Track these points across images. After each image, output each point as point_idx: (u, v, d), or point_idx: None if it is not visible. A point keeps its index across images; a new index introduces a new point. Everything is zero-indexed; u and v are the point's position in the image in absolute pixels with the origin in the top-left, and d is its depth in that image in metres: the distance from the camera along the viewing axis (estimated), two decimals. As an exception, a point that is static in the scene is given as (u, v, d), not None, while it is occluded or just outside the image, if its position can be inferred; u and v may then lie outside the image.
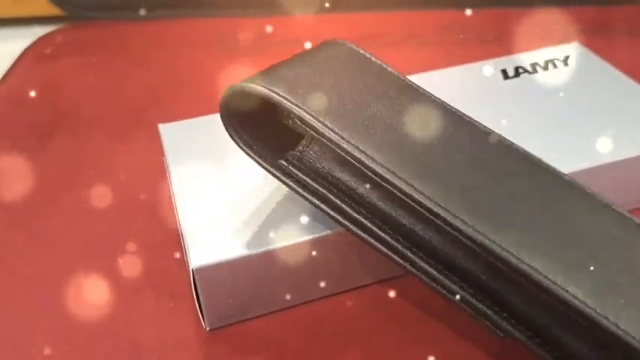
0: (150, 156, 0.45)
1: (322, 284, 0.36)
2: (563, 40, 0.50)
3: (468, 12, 0.68)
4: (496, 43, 0.64)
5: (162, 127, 0.42)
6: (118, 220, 0.44)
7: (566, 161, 0.37)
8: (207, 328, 0.36)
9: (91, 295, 0.38)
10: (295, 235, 0.34)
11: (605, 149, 0.39)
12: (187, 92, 0.57)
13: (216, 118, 0.43)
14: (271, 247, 0.33)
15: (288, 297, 0.36)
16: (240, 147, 0.32)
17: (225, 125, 0.32)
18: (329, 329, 0.36)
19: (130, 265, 0.40)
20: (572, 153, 0.39)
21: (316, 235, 0.34)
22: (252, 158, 0.33)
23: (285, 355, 0.35)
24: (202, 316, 0.35)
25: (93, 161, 0.50)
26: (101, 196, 0.46)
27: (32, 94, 0.58)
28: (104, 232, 0.43)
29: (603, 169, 0.38)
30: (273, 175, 0.32)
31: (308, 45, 0.36)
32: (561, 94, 0.44)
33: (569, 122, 0.42)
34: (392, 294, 0.37)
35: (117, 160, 0.49)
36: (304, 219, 0.35)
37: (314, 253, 0.34)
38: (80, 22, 0.69)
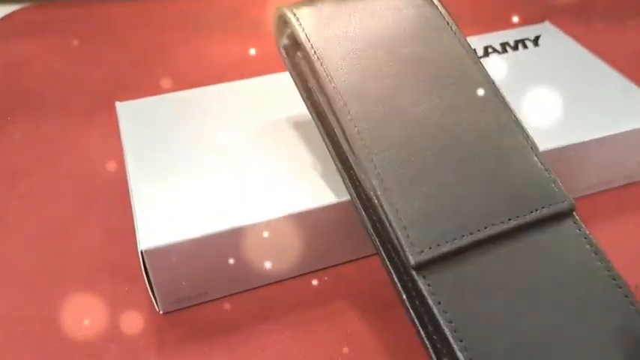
0: (113, 139, 0.43)
1: (277, 266, 0.36)
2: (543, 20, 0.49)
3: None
4: (476, 24, 0.63)
5: (120, 105, 0.41)
6: (77, 205, 0.42)
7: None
8: (161, 312, 0.35)
9: (47, 280, 0.37)
10: (248, 217, 0.33)
11: (573, 130, 0.38)
12: (156, 74, 0.56)
13: (174, 97, 0.42)
14: (224, 228, 0.32)
15: (244, 280, 0.36)
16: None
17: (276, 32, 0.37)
18: (289, 311, 0.35)
19: (87, 250, 0.39)
20: (540, 133, 0.38)
21: (269, 218, 0.33)
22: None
23: (242, 338, 0.34)
24: (155, 300, 0.34)
25: (54, 144, 0.48)
26: (61, 180, 0.45)
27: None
28: (63, 216, 0.42)
29: (569, 150, 0.38)
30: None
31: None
32: (530, 74, 0.43)
33: (537, 102, 0.41)
34: (353, 274, 0.37)
35: (79, 143, 0.48)
36: (258, 201, 0.34)
37: (265, 234, 0.33)
38: (45, 2, 0.67)
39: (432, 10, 0.36)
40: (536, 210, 0.30)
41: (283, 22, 0.36)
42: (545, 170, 0.31)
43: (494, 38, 0.47)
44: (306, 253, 0.36)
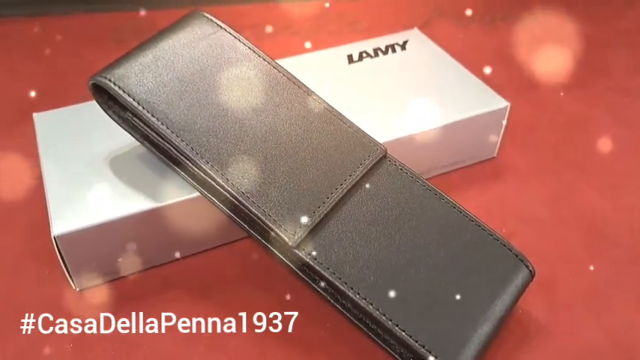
0: (34, 148, 0.49)
1: (175, 246, 0.42)
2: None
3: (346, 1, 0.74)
4: (366, 31, 0.71)
5: (37, 116, 0.46)
6: (2, 206, 0.47)
7: (391, 128, 0.45)
8: (77, 289, 0.41)
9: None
10: (148, 203, 0.39)
11: (427, 117, 0.46)
12: (75, 87, 0.61)
13: (86, 106, 0.48)
14: (124, 214, 0.39)
15: (151, 257, 0.42)
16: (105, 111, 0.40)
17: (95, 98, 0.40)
18: (187, 282, 0.42)
19: (14, 242, 0.45)
20: (397, 123, 0.46)
21: (164, 204, 0.40)
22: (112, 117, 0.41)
23: (145, 304, 0.40)
24: (71, 279, 0.40)
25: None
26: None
27: None
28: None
29: (419, 136, 0.46)
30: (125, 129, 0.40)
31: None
32: (395, 74, 0.51)
33: (398, 97, 0.49)
34: (255, 255, 0.44)
35: (2, 151, 0.53)
36: (157, 189, 0.40)
37: (166, 218, 0.40)
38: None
39: (222, 34, 0.42)
40: (361, 164, 0.39)
41: (97, 88, 0.39)
42: (355, 131, 0.40)
43: (369, 44, 0.54)
44: (203, 234, 0.42)
